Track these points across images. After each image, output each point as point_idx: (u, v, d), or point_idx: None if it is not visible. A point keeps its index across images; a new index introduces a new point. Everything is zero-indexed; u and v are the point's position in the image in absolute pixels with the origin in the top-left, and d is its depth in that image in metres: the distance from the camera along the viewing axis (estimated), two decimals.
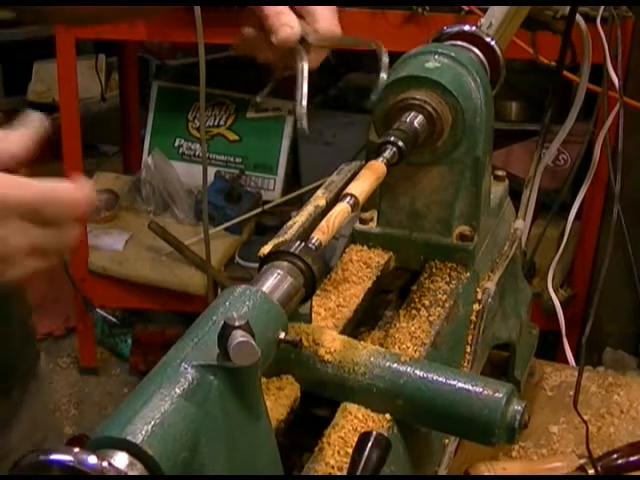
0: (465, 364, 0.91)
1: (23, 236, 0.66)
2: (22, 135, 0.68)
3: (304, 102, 0.87)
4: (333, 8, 0.90)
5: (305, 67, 0.88)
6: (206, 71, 2.24)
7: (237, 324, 0.57)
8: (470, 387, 0.75)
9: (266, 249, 0.72)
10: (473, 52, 0.97)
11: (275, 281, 0.67)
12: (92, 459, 0.50)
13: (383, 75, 0.87)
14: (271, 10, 0.87)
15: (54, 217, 0.67)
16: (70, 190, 0.68)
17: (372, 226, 0.96)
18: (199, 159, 2.55)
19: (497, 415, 0.73)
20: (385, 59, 0.87)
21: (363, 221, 0.96)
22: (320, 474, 0.72)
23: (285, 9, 0.88)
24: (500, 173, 1.06)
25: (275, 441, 0.67)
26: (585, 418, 1.04)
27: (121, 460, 0.52)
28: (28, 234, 0.66)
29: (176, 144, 2.70)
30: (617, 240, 1.92)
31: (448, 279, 0.92)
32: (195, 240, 2.35)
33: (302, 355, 0.78)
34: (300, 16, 0.89)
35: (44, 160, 0.79)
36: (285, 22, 0.87)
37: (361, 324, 0.91)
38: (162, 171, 2.55)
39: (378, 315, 0.93)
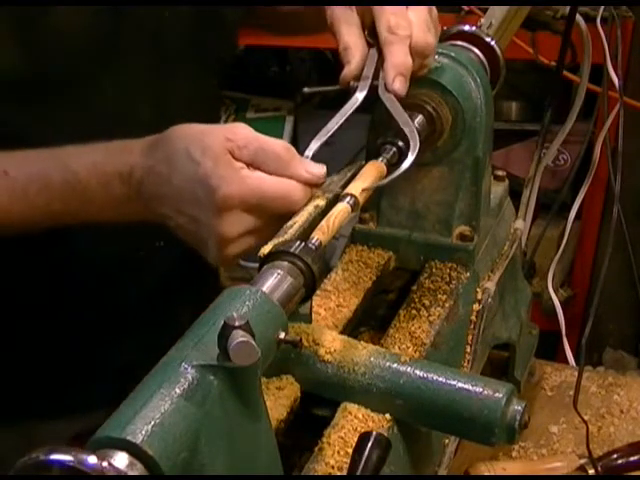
0: (465, 364, 0.91)
1: (241, 224, 0.78)
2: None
3: (322, 138, 0.84)
4: (405, 50, 0.83)
5: (354, 104, 0.85)
6: None
7: (237, 324, 0.57)
8: (470, 387, 0.75)
9: (266, 249, 0.72)
10: (473, 52, 0.97)
11: (275, 281, 0.67)
12: (92, 459, 0.50)
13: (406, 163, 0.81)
14: (341, 41, 0.85)
15: (270, 210, 0.78)
16: (290, 189, 0.79)
17: (372, 226, 0.96)
18: None
19: (497, 415, 0.73)
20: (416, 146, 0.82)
21: (363, 221, 0.96)
22: (320, 474, 0.72)
23: (356, 43, 0.84)
24: (500, 173, 1.06)
25: (275, 441, 0.67)
26: (585, 418, 1.04)
27: (121, 460, 0.52)
28: (246, 222, 0.78)
29: None
30: (617, 240, 1.92)
31: (448, 279, 0.92)
32: None
33: (302, 355, 0.78)
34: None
35: None
36: (347, 60, 0.84)
37: (361, 324, 0.90)
38: None
39: (378, 315, 0.93)
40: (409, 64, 0.83)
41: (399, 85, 0.83)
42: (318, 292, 0.87)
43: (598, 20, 1.54)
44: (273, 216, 0.79)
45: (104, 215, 0.86)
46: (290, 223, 0.78)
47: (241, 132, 0.80)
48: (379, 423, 0.76)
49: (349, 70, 0.84)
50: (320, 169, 0.81)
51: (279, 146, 0.80)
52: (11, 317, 1.03)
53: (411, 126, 0.83)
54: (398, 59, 0.83)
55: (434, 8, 0.89)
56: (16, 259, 0.99)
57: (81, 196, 0.84)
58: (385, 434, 0.72)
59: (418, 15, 0.85)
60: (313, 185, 0.81)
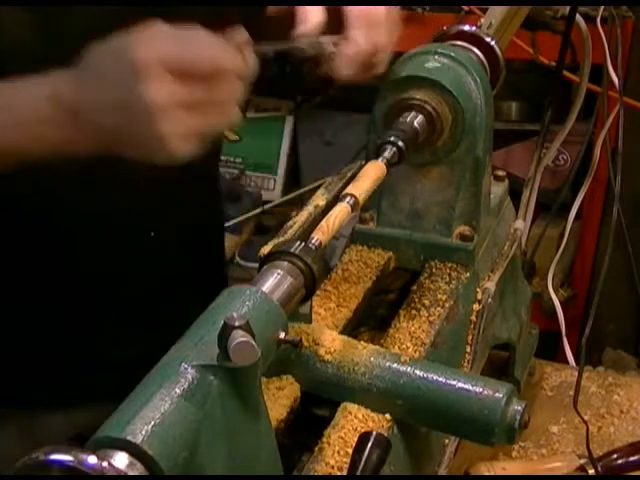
0: (465, 364, 0.91)
1: (168, 88, 0.70)
2: None
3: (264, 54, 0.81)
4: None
5: (303, 46, 0.85)
6: None
7: (237, 324, 0.57)
8: (470, 387, 0.75)
9: (266, 249, 0.72)
10: (473, 52, 0.97)
11: (275, 281, 0.67)
12: (92, 459, 0.50)
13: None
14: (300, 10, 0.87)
15: (195, 72, 0.71)
16: (212, 44, 0.72)
17: (372, 226, 0.96)
18: None
19: (497, 415, 0.73)
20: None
21: (363, 221, 0.96)
22: (320, 474, 0.72)
23: (314, 10, 0.86)
24: (500, 173, 1.06)
25: (275, 441, 0.67)
26: (585, 418, 1.04)
27: (121, 460, 0.52)
28: (173, 88, 0.70)
29: None
30: (617, 240, 1.91)
31: (448, 279, 0.92)
32: None
33: (302, 355, 0.78)
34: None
35: None
36: (304, 19, 0.86)
37: (361, 324, 0.91)
38: None
39: (378, 315, 0.93)
40: (363, 52, 0.84)
41: (346, 68, 0.84)
42: (318, 292, 0.87)
43: (598, 20, 1.54)
44: (203, 85, 0.73)
45: (38, 145, 0.80)
46: (290, 223, 0.78)
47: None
48: (379, 423, 0.76)
49: (305, 28, 0.85)
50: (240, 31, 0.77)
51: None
52: (12, 308, 1.03)
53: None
54: (355, 44, 0.84)
55: (394, 10, 0.90)
56: (16, 246, 1.00)
57: (12, 121, 0.79)
58: (385, 434, 0.72)
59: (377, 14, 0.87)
60: (238, 46, 0.76)
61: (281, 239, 0.75)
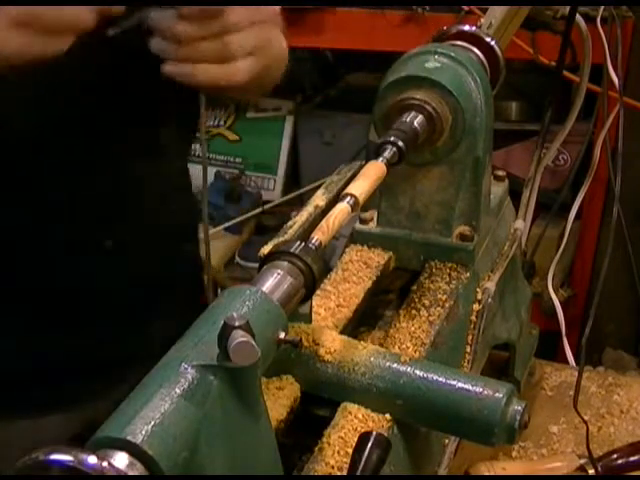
0: (465, 364, 0.91)
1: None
2: None
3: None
4: None
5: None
6: None
7: (237, 324, 0.57)
8: (470, 387, 0.75)
9: (266, 249, 0.72)
10: (473, 52, 0.97)
11: (275, 281, 0.67)
12: (92, 459, 0.50)
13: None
14: None
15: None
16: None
17: (372, 226, 0.96)
18: (199, 159, 2.52)
19: (497, 415, 0.73)
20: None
21: (363, 221, 0.96)
22: (320, 474, 0.72)
23: None
24: (500, 173, 1.06)
25: (275, 441, 0.67)
26: (585, 418, 1.04)
27: (121, 460, 0.52)
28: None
29: None
30: (617, 240, 1.92)
31: (448, 279, 0.92)
32: None
33: (302, 355, 0.78)
34: None
35: None
36: None
37: (361, 324, 0.91)
38: None
39: (378, 315, 0.93)
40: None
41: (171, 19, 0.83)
42: (318, 292, 0.87)
43: (598, 20, 1.53)
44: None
45: None
46: (290, 223, 0.78)
47: None
48: (379, 423, 0.76)
49: None
50: None
51: None
52: (6, 312, 1.04)
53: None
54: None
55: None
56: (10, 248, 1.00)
57: None
58: (385, 434, 0.72)
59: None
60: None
61: (281, 239, 0.75)
